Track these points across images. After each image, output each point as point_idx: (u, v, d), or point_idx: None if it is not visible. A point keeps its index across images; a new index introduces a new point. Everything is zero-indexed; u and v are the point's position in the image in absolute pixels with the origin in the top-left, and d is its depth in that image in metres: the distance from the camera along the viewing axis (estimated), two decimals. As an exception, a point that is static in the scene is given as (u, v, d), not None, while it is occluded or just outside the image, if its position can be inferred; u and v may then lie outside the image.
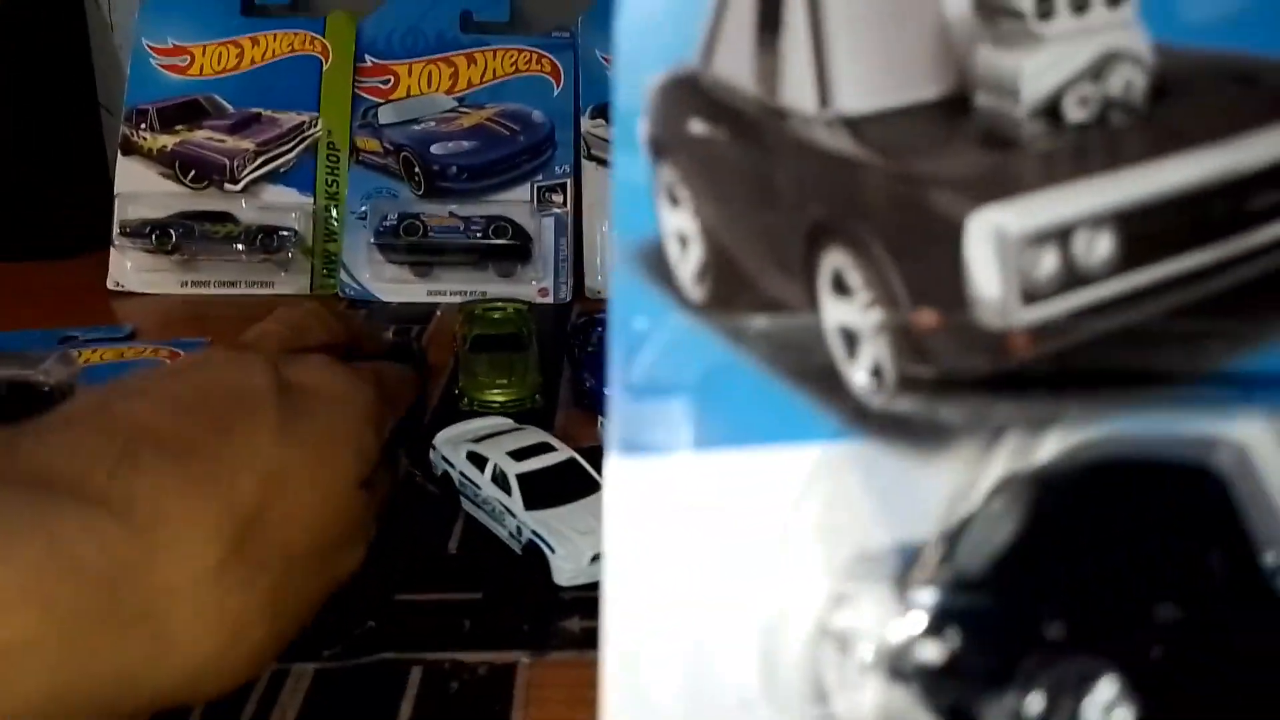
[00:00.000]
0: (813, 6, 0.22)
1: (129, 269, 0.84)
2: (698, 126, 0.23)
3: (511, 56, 0.89)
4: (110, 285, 0.83)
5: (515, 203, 0.84)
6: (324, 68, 0.89)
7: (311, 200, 0.86)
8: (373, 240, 0.83)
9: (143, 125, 0.86)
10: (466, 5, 0.90)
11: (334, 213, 0.86)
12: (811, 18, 0.22)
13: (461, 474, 0.50)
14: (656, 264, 0.22)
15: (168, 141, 0.86)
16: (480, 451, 0.49)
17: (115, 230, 0.83)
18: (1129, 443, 0.20)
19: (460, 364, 0.64)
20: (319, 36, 0.89)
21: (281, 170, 0.86)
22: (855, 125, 0.23)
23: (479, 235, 0.82)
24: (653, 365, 0.21)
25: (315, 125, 0.87)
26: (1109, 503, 0.20)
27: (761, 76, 0.23)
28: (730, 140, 0.23)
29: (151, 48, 0.89)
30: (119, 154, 0.86)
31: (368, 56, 0.89)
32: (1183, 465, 0.20)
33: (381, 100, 0.88)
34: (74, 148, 0.96)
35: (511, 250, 0.82)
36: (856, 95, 0.22)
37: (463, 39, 0.90)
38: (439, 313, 0.80)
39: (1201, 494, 0.19)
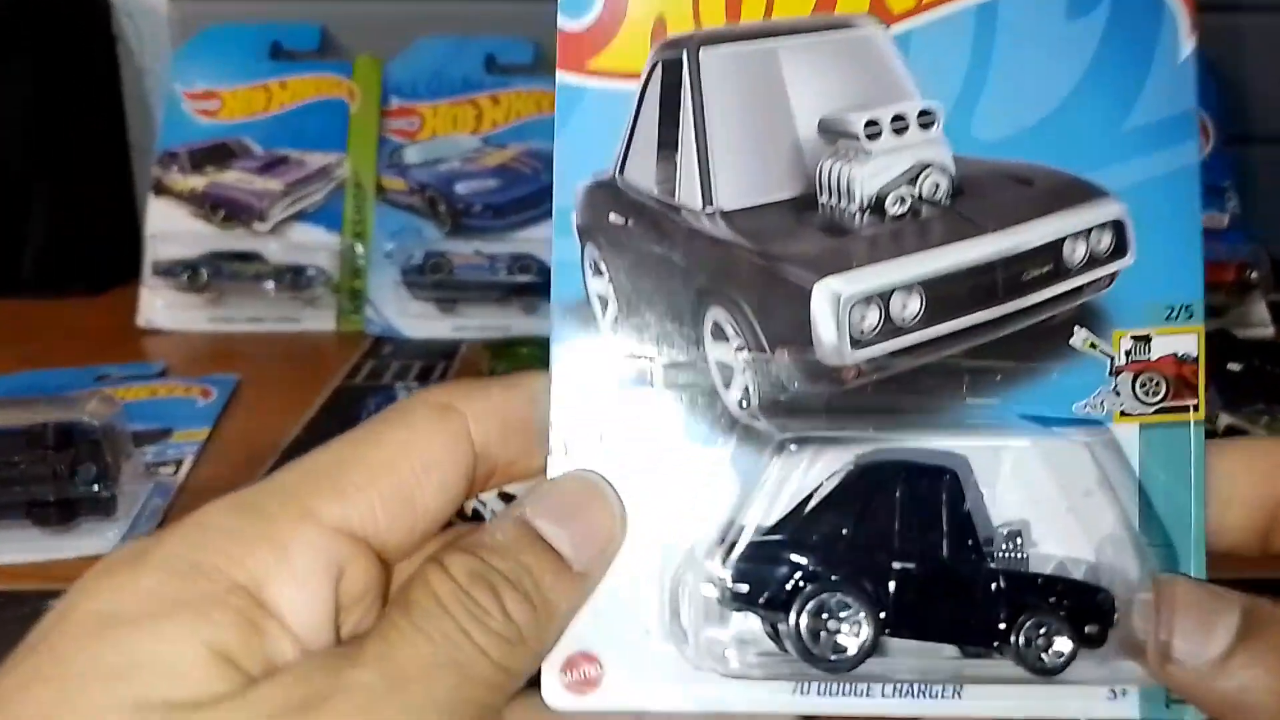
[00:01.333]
0: (699, 132, 0.30)
1: (159, 307, 0.85)
2: (614, 217, 0.30)
3: (534, 97, 0.91)
4: (141, 323, 0.85)
5: (538, 240, 0.86)
6: (351, 110, 0.91)
7: (338, 238, 0.87)
8: (399, 279, 0.84)
9: (174, 167, 0.88)
10: (490, 49, 0.92)
11: (360, 250, 0.87)
12: (699, 140, 0.30)
13: (492, 511, 0.50)
14: (583, 317, 0.29)
15: (198, 183, 0.87)
16: (511, 491, 0.50)
17: (148, 270, 0.85)
18: (903, 452, 0.29)
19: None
20: (346, 80, 0.91)
21: (309, 210, 0.88)
22: (730, 218, 0.30)
23: (503, 272, 0.84)
24: (580, 386, 0.29)
25: (342, 166, 0.89)
26: (885, 491, 0.28)
27: (661, 181, 0.30)
28: (638, 228, 0.30)
29: (183, 92, 0.91)
30: (151, 195, 0.89)
31: (394, 99, 0.91)
32: (935, 469, 0.28)
33: (407, 141, 0.90)
34: (105, 187, 0.98)
35: (535, 287, 0.84)
36: (731, 196, 0.30)
37: (486, 81, 0.91)
38: (464, 349, 0.82)
39: (944, 488, 0.28)
